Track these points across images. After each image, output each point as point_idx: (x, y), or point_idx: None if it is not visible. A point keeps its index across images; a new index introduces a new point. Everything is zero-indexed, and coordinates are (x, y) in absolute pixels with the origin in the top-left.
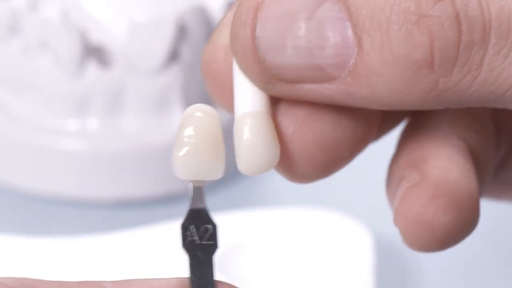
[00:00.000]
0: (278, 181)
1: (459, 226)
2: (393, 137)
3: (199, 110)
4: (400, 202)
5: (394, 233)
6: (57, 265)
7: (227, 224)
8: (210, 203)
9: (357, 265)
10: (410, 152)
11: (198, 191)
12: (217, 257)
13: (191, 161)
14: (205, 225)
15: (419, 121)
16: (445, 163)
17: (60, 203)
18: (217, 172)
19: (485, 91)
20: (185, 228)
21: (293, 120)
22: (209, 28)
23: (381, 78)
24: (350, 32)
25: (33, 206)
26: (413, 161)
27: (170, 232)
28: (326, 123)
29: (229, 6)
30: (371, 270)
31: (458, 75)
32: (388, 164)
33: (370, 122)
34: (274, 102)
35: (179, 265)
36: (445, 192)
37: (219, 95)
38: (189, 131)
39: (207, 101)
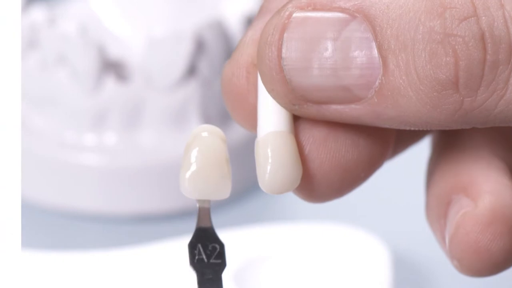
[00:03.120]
0: (296, 196)
1: None
2: (408, 152)
3: (206, 130)
4: (455, 229)
5: (411, 249)
6: (71, 279)
7: (245, 238)
8: (228, 217)
9: (375, 280)
10: (454, 174)
11: (205, 210)
12: (234, 272)
13: (197, 181)
14: (212, 244)
15: (453, 141)
16: (496, 186)
17: (77, 218)
18: (223, 192)
19: (511, 111)
20: (192, 246)
21: (310, 140)
22: (227, 43)
23: (406, 99)
24: (375, 52)
25: (49, 220)
26: (459, 184)
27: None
28: (342, 144)
29: (248, 21)
30: (388, 286)
31: (483, 95)
32: (426, 185)
33: (386, 142)
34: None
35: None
36: (501, 217)
37: (240, 113)
38: (195, 151)
39: (225, 116)
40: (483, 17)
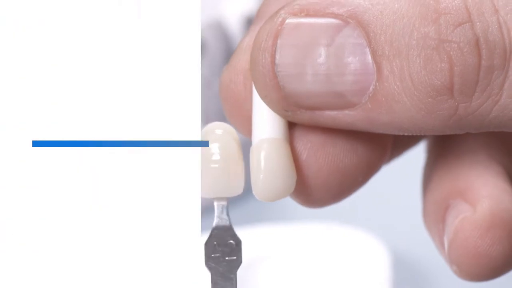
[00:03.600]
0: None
1: None
2: (408, 152)
3: (219, 128)
4: (454, 234)
5: (411, 249)
6: None
7: (245, 238)
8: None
9: (375, 280)
10: (451, 179)
11: (222, 208)
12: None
13: (214, 179)
14: (229, 241)
15: (448, 145)
16: (494, 191)
17: None
18: (238, 188)
19: (506, 116)
20: (208, 245)
21: (308, 146)
22: (226, 43)
23: (400, 104)
24: (369, 58)
25: None
26: (457, 189)
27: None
28: (340, 150)
29: (248, 21)
30: (388, 286)
31: (478, 101)
32: (423, 191)
33: (383, 146)
34: (289, 126)
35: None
36: (500, 222)
37: (237, 119)
38: (210, 149)
39: (224, 115)
40: (478, 23)
